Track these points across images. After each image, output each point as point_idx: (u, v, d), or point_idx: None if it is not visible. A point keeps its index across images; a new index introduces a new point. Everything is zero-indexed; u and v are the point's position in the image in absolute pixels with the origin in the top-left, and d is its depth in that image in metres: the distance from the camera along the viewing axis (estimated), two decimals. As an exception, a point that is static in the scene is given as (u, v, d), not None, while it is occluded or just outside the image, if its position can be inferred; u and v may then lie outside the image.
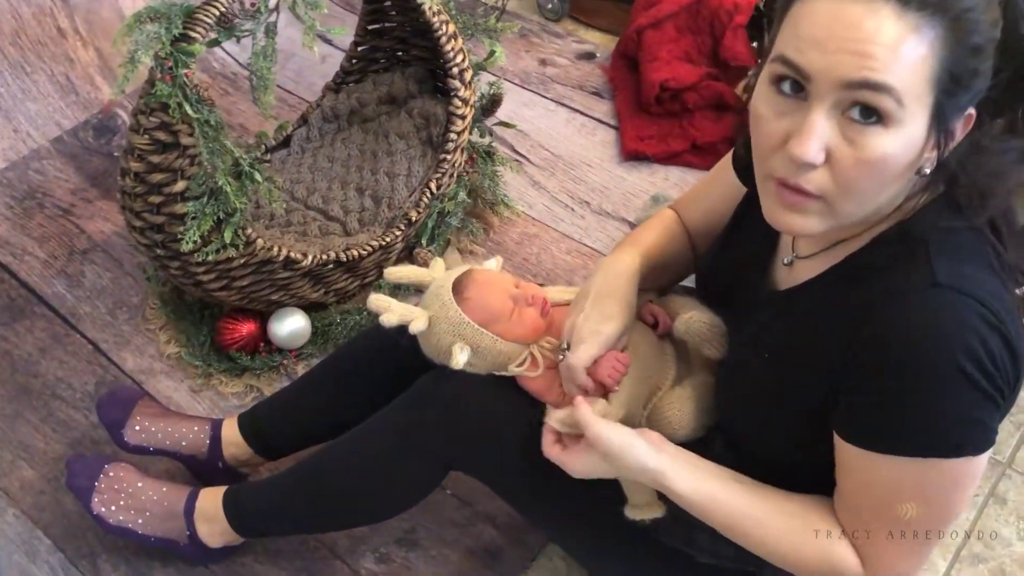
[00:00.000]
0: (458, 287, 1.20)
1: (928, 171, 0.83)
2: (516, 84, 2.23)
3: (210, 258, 1.42)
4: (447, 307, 1.19)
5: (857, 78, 0.76)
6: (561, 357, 1.13)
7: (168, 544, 1.37)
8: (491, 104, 1.88)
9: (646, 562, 1.16)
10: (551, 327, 1.22)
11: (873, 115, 0.78)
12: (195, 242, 1.38)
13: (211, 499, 1.34)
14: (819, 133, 0.79)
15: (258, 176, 1.39)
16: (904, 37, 0.75)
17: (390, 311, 1.18)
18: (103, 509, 1.35)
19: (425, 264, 1.35)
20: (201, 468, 1.46)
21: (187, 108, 1.30)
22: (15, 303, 1.80)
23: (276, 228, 1.69)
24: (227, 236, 1.41)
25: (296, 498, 1.29)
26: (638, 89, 2.10)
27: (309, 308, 1.69)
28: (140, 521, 1.35)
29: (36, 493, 1.52)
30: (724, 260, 1.14)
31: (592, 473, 1.04)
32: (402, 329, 1.18)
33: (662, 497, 1.05)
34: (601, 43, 2.32)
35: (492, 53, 1.79)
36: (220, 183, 1.36)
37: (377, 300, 1.19)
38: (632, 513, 1.08)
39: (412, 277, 1.25)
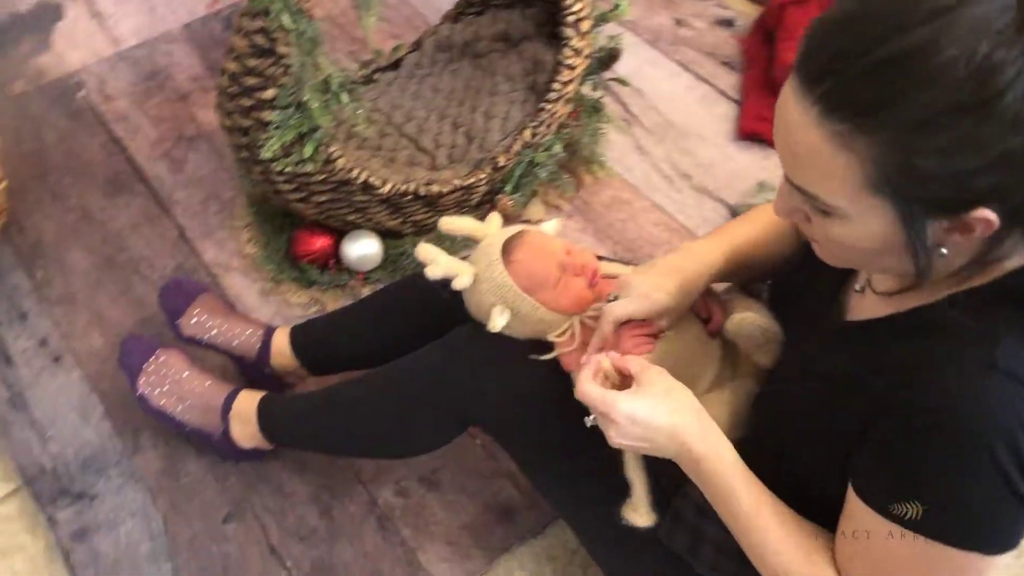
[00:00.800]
0: (508, 247, 1.18)
1: (945, 251, 0.75)
2: (645, 40, 2.15)
3: (288, 169, 1.44)
4: (493, 267, 1.16)
5: (788, 175, 0.77)
6: (600, 305, 1.11)
7: (202, 436, 1.42)
8: (608, 58, 1.81)
9: (644, 560, 1.12)
10: (599, 300, 1.18)
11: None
12: (275, 151, 1.40)
13: (248, 402, 1.38)
14: (783, 198, 0.81)
15: (344, 97, 1.39)
16: (821, 147, 0.71)
17: (436, 264, 1.17)
18: (147, 390, 1.41)
19: (503, 211, 1.31)
20: (248, 370, 1.50)
21: (285, 18, 1.30)
22: (119, 177, 1.88)
23: (366, 151, 1.69)
24: (307, 151, 1.42)
25: (322, 420, 1.32)
26: (771, 67, 1.99)
27: (385, 234, 1.69)
28: (179, 408, 1.41)
29: (101, 361, 1.60)
30: (805, 267, 1.07)
31: (635, 418, 0.91)
32: (446, 282, 1.17)
33: (661, 506, 1.02)
34: (743, 12, 2.20)
35: (617, 6, 1.72)
36: (306, 98, 1.36)
37: (425, 251, 1.18)
38: (627, 513, 1.05)
39: (466, 230, 1.23)
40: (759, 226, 1.17)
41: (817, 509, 0.92)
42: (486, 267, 1.17)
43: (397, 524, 1.42)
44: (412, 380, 1.23)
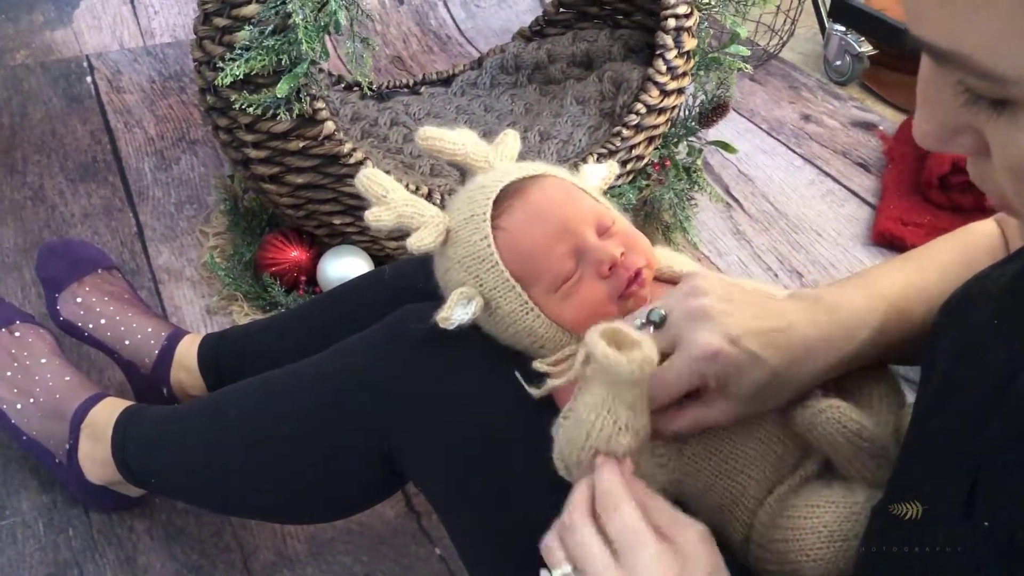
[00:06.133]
0: (507, 196, 0.73)
1: None
2: (763, 129, 1.75)
3: (252, 109, 1.05)
4: (473, 224, 0.72)
5: (919, 35, 0.37)
6: (639, 323, 0.64)
7: (41, 454, 0.97)
8: (712, 110, 1.41)
9: None
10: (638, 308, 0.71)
11: None
12: (235, 77, 1.02)
13: (108, 411, 0.94)
14: (928, 98, 0.41)
15: (342, 17, 1.01)
16: None
17: (386, 204, 0.73)
18: (-19, 370, 0.98)
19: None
20: (142, 386, 1.06)
21: None
22: (95, 165, 1.54)
23: (381, 149, 1.31)
24: (281, 90, 1.04)
25: (189, 442, 0.85)
26: (920, 168, 1.55)
27: (383, 261, 1.27)
28: (19, 406, 0.97)
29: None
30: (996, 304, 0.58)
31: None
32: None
33: None
34: (888, 117, 1.79)
35: (734, 36, 1.34)
36: (290, 8, 1.00)
37: (372, 180, 0.74)
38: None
39: (459, 150, 0.78)
40: (928, 269, 0.69)
41: None
42: (465, 221, 0.72)
43: (280, 645, 0.91)
44: (320, 383, 0.77)
